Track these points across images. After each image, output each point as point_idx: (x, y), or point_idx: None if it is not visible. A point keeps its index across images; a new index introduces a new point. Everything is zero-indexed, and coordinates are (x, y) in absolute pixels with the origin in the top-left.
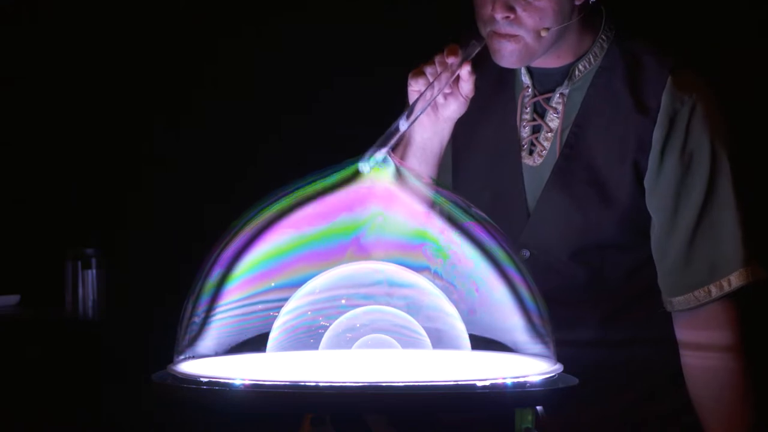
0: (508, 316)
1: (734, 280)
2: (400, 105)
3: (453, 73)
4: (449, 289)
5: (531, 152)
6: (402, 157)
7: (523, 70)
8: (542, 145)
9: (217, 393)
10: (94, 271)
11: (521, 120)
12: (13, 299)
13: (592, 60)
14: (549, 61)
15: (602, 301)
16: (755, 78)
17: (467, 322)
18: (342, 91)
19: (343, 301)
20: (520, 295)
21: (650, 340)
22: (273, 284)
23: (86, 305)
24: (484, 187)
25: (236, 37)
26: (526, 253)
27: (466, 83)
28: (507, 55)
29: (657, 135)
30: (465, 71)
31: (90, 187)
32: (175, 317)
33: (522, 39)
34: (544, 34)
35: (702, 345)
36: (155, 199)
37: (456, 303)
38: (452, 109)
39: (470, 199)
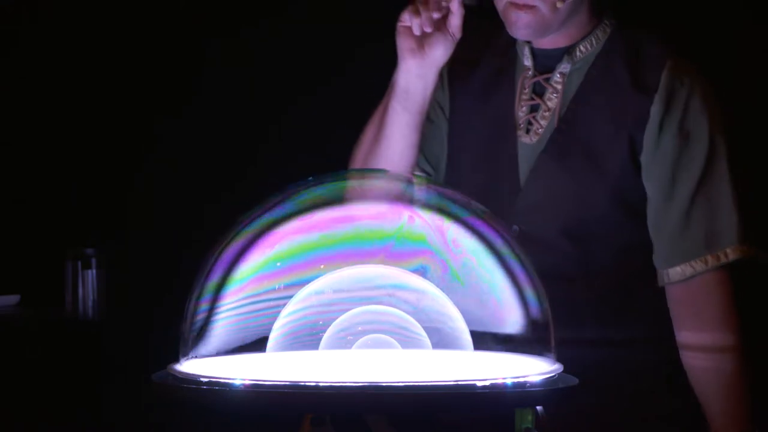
0: (511, 314)
1: (731, 253)
2: None
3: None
4: (455, 288)
5: (528, 131)
6: (386, 104)
7: (526, 52)
8: (539, 123)
9: (217, 393)
10: (94, 271)
11: (520, 100)
12: (13, 299)
13: (594, 42)
14: (553, 42)
15: (593, 279)
16: (753, 70)
17: (470, 321)
18: (342, 91)
19: (347, 295)
20: (523, 293)
21: (649, 338)
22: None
23: (86, 305)
24: (479, 168)
25: (235, 37)
26: (516, 229)
27: (455, 17)
28: (523, 26)
29: (655, 110)
30: (455, 4)
31: (90, 187)
32: (175, 317)
33: (539, 10)
34: (559, 5)
35: (696, 314)
36: (155, 199)
37: (460, 303)
38: (439, 49)
39: (464, 181)
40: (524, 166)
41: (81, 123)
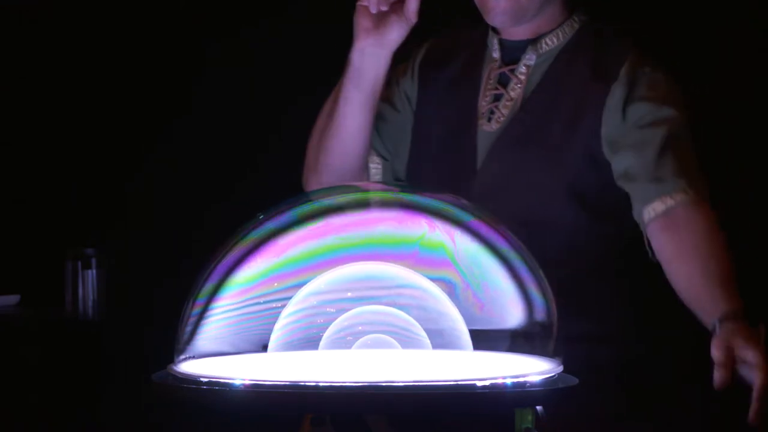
0: (513, 313)
1: (703, 191)
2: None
3: None
4: (463, 289)
5: (489, 119)
6: (340, 84)
7: (495, 44)
8: (501, 112)
9: (217, 393)
10: (94, 271)
11: (486, 90)
12: (13, 299)
13: (560, 36)
14: (521, 33)
15: (545, 271)
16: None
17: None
18: None
19: (349, 294)
20: (528, 293)
21: (602, 335)
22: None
23: (86, 305)
24: (441, 157)
25: (235, 37)
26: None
27: (412, 2)
28: (500, 13)
29: (617, 92)
30: None
31: (90, 187)
32: (175, 317)
33: None
34: None
35: (678, 237)
36: (155, 200)
37: (464, 303)
38: (394, 32)
39: (428, 168)
40: (483, 154)
41: (81, 123)
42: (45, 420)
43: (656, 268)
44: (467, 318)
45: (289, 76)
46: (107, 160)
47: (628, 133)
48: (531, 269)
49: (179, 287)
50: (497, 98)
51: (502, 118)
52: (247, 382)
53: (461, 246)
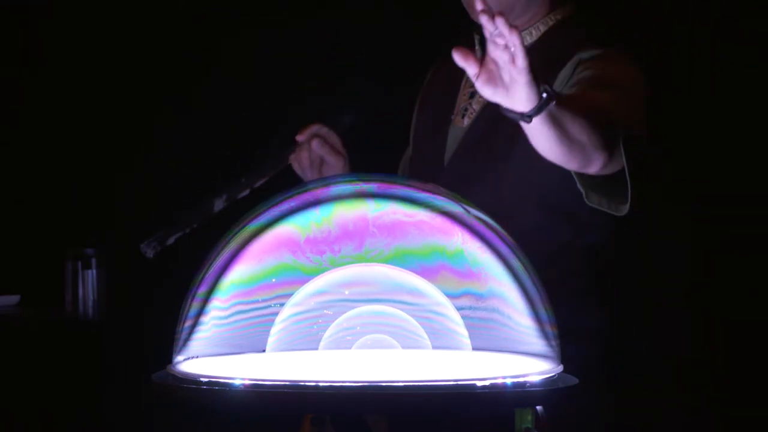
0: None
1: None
2: (402, 103)
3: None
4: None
5: (463, 116)
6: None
7: (476, 41)
8: (473, 109)
9: (217, 393)
10: (94, 271)
11: (465, 87)
12: (13, 299)
13: (533, 33)
14: None
15: None
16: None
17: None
18: (343, 87)
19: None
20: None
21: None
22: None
23: (86, 305)
24: (418, 151)
25: (235, 37)
26: None
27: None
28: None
29: (565, 72)
30: (314, 143)
31: (90, 187)
32: (175, 318)
33: None
34: None
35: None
36: (155, 200)
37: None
38: (334, 168)
39: (411, 164)
40: (452, 149)
41: (81, 123)
42: (45, 420)
43: (630, 266)
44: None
45: (288, 74)
46: (107, 160)
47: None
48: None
49: (179, 287)
50: (473, 95)
51: (473, 114)
52: (247, 382)
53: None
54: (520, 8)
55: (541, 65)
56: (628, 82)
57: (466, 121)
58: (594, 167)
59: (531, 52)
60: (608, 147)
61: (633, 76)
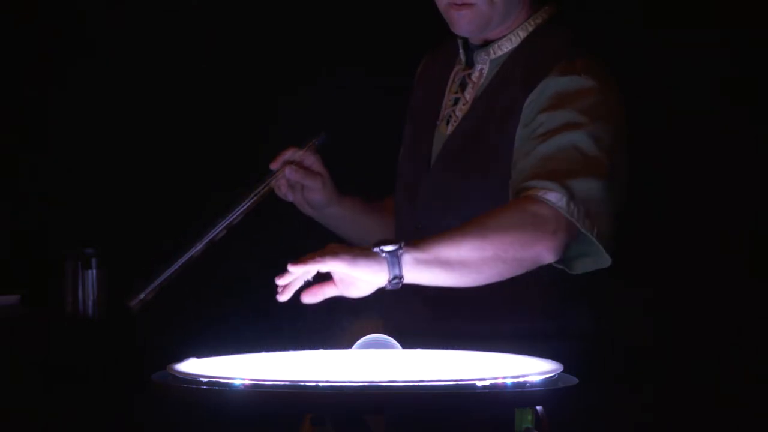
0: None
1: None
2: (403, 102)
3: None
4: None
5: (448, 122)
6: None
7: (461, 48)
8: (456, 116)
9: (217, 393)
10: (94, 271)
11: (449, 93)
12: (13, 299)
13: (513, 40)
14: (484, 37)
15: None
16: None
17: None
18: (343, 86)
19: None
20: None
21: (535, 335)
22: None
23: (86, 305)
24: (406, 156)
25: (235, 38)
26: (419, 226)
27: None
28: (465, 24)
29: (528, 100)
30: (287, 171)
31: (90, 187)
32: (175, 317)
33: (477, 7)
34: None
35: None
36: (156, 199)
37: None
38: (311, 201)
39: (400, 172)
40: (436, 155)
41: (81, 123)
42: (45, 420)
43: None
44: None
45: (288, 72)
46: (107, 159)
47: (523, 143)
48: None
49: (179, 287)
50: (457, 101)
51: (456, 122)
52: (247, 382)
53: None
54: (498, 19)
55: (514, 78)
56: (594, 122)
57: (450, 129)
58: (546, 257)
59: (512, 58)
60: (544, 237)
61: (601, 113)
